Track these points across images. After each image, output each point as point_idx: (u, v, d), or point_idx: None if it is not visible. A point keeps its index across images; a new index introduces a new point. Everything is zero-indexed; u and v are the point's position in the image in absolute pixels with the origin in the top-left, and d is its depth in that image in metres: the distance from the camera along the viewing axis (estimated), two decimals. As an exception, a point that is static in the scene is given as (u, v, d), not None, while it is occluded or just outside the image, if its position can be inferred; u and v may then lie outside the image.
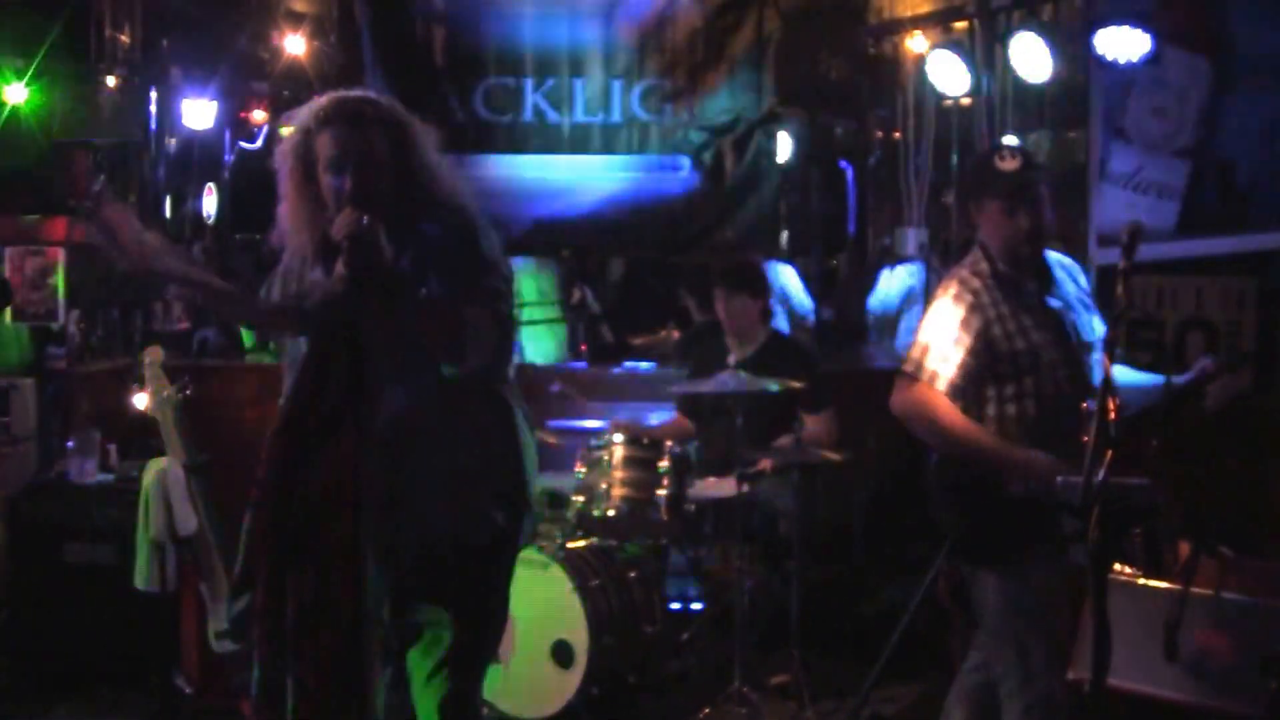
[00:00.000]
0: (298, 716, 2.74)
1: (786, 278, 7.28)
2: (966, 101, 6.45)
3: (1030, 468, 3.41)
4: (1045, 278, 3.63)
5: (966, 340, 3.50)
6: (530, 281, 7.43)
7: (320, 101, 2.99)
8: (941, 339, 3.52)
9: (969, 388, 3.52)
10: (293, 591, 2.76)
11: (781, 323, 6.90)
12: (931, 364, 3.51)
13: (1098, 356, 3.61)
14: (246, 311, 3.25)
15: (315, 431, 2.80)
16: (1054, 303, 3.60)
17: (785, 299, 7.20)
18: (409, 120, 3.02)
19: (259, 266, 6.71)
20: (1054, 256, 3.75)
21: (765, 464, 5.14)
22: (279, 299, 3.10)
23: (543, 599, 4.67)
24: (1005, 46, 5.89)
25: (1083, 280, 3.75)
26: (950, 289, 3.58)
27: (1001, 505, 3.49)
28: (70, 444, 5.40)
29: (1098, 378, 3.58)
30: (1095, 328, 3.67)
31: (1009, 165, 3.55)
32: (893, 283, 7.40)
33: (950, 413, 3.50)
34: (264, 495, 2.80)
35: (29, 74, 6.16)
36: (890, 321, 7.36)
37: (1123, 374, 3.68)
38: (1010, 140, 6.33)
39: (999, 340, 3.50)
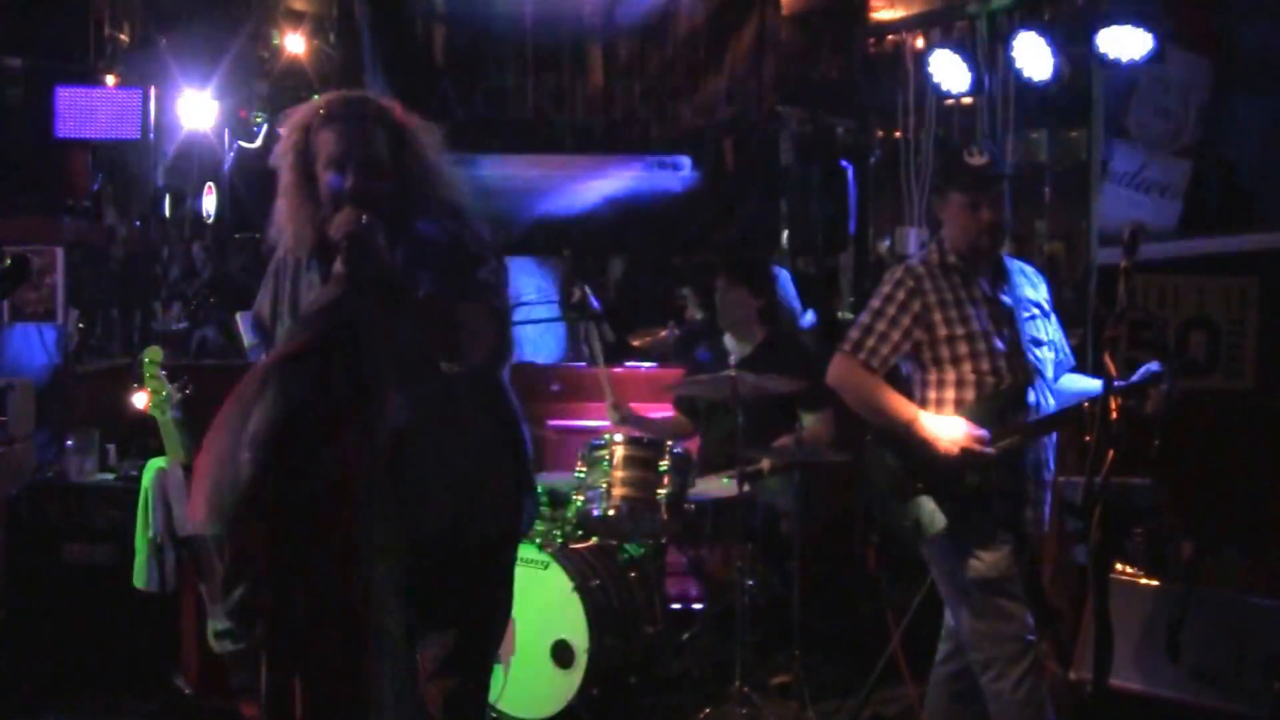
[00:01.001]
0: (307, 716, 2.74)
1: (780, 282, 7.27)
2: (968, 101, 6.44)
3: (946, 432, 3.55)
4: (1000, 275, 3.77)
5: (903, 322, 3.67)
6: (530, 281, 7.42)
7: (322, 99, 2.99)
8: (879, 320, 3.70)
9: (906, 368, 3.73)
10: (301, 591, 2.76)
11: None
12: (866, 341, 3.69)
13: (1051, 356, 3.79)
14: None
15: (316, 432, 2.80)
16: (1005, 299, 3.73)
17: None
18: (410, 120, 3.02)
19: (258, 265, 6.70)
20: (1016, 263, 3.90)
21: (765, 464, 5.14)
22: (271, 296, 3.09)
23: (543, 599, 4.67)
24: (1007, 45, 5.87)
25: (1043, 289, 3.89)
26: (896, 274, 3.75)
27: (934, 481, 3.57)
28: (69, 444, 5.39)
29: (1052, 374, 3.76)
30: (1048, 330, 3.81)
31: (976, 160, 3.69)
32: None
33: (877, 385, 3.68)
34: (262, 495, 2.79)
35: (28, 73, 6.15)
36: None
37: (1076, 381, 3.77)
38: (1010, 140, 6.33)
39: (938, 325, 3.66)
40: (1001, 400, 3.61)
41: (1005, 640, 3.56)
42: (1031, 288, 3.83)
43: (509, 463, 3.11)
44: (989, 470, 3.54)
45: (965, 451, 3.53)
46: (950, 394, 3.66)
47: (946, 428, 3.57)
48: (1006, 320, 3.69)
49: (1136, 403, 3.51)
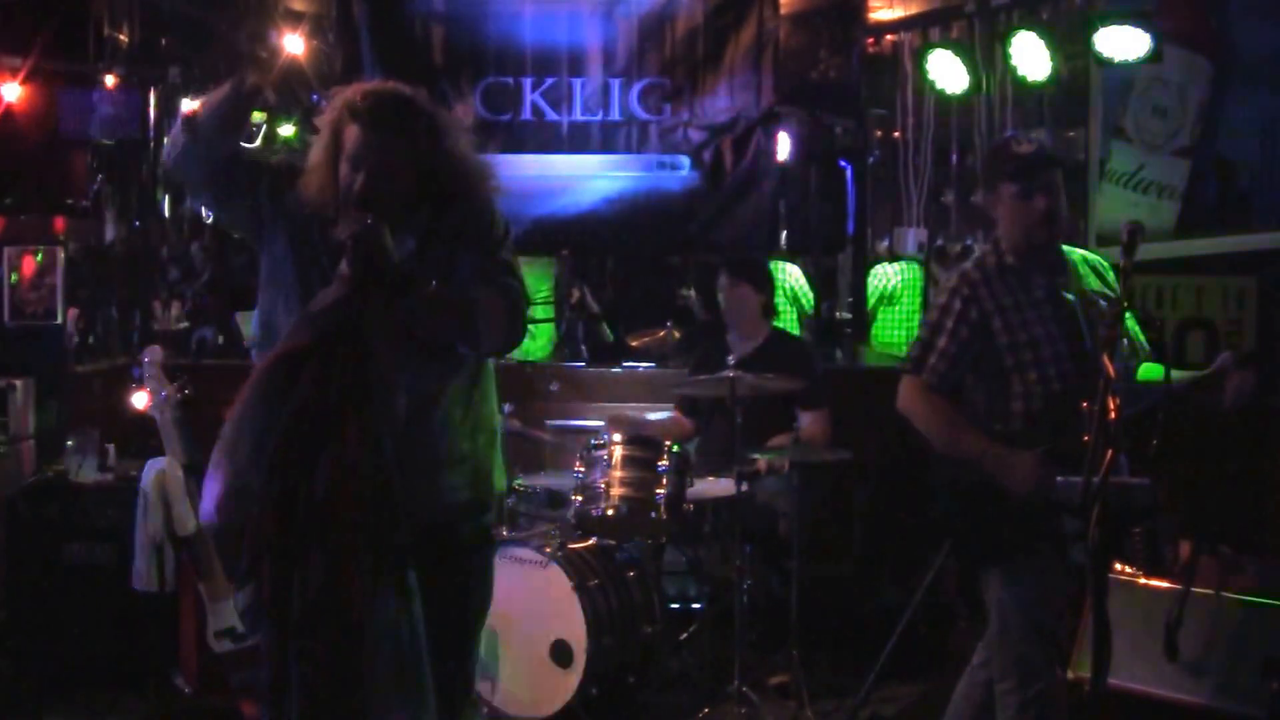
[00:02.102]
0: (302, 712, 2.75)
1: (795, 278, 7.28)
2: (967, 101, 6.45)
3: (1017, 469, 3.41)
4: (1059, 271, 3.61)
5: (961, 333, 3.54)
6: (528, 280, 7.41)
7: (359, 91, 2.96)
8: (938, 334, 3.57)
9: (967, 379, 3.56)
10: (298, 587, 2.77)
11: (791, 324, 6.89)
12: (926, 357, 3.57)
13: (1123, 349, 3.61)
14: None
15: (317, 430, 2.81)
16: (1069, 297, 3.56)
17: (795, 299, 7.20)
18: (439, 117, 3.02)
19: (257, 265, 6.70)
20: (1079, 253, 3.73)
21: (761, 464, 5.14)
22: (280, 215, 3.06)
23: (542, 599, 4.67)
24: (1005, 45, 5.88)
25: (1111, 277, 3.69)
26: (952, 282, 3.62)
27: (1002, 504, 3.49)
28: (69, 444, 5.39)
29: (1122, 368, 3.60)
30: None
31: (1024, 148, 3.55)
32: (874, 283, 7.44)
33: (943, 410, 3.55)
34: (269, 493, 2.80)
35: (27, 73, 6.16)
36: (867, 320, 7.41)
37: (1152, 370, 3.66)
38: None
39: (999, 332, 3.52)
40: (1066, 408, 3.44)
41: (1024, 661, 3.53)
42: (1096, 277, 3.65)
43: (499, 452, 3.20)
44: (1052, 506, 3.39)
45: (1034, 491, 3.38)
46: (1018, 405, 3.51)
47: (1017, 467, 3.41)
48: (1069, 321, 3.52)
49: (1212, 396, 3.42)
